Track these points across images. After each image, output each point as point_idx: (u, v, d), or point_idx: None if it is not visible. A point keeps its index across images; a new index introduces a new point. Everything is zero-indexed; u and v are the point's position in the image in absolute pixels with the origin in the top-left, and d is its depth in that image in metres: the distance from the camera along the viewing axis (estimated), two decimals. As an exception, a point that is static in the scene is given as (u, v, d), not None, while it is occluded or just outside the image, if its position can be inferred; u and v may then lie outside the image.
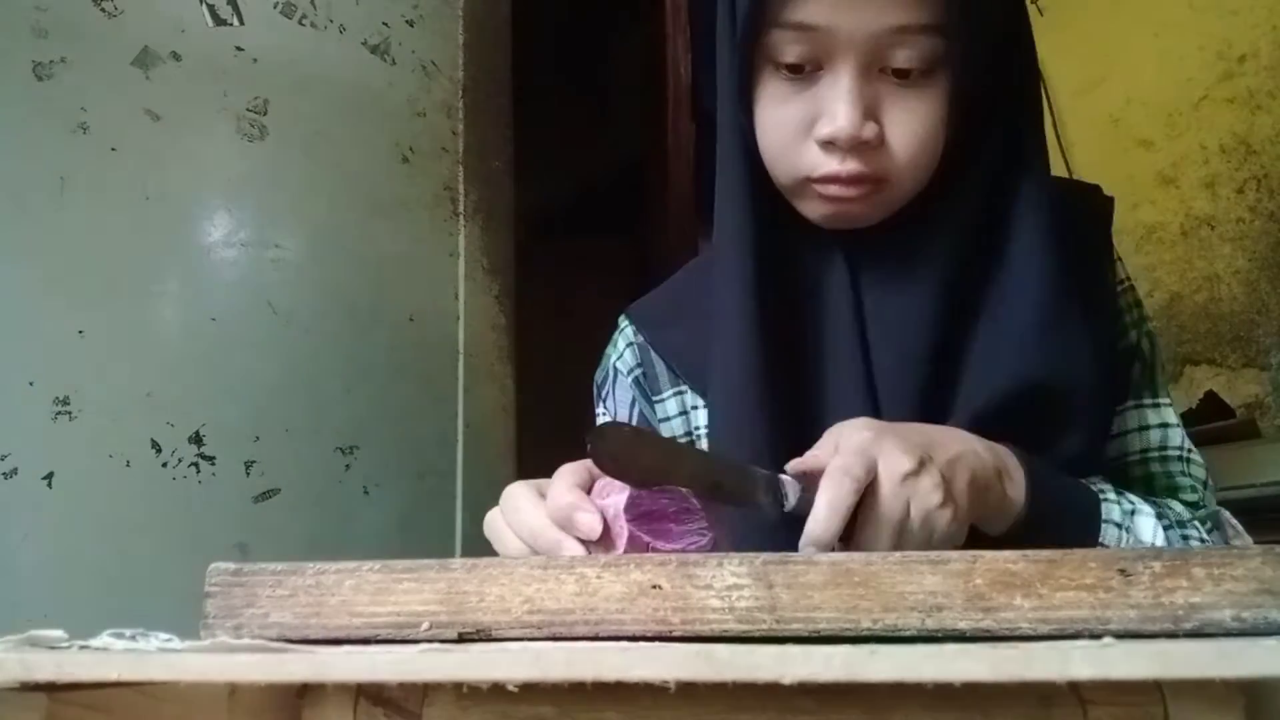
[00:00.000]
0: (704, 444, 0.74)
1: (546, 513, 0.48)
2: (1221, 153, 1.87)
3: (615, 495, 0.47)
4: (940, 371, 0.65)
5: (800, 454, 0.55)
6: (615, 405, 0.79)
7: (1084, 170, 1.95)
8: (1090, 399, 0.64)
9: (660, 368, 0.78)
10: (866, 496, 0.50)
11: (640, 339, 0.79)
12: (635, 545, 0.46)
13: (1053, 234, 0.64)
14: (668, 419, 0.77)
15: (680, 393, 0.77)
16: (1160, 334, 1.86)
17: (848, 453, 0.51)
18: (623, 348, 0.80)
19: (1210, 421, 1.67)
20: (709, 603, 0.33)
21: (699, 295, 0.73)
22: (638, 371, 0.78)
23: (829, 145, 0.61)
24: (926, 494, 0.50)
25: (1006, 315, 0.64)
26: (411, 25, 1.36)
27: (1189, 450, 0.70)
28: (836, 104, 0.60)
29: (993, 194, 0.66)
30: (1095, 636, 0.31)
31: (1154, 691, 0.31)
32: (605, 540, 0.46)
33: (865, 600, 0.33)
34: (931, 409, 0.64)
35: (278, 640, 0.34)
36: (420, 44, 1.37)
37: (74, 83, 1.08)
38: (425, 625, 0.34)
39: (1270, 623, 0.32)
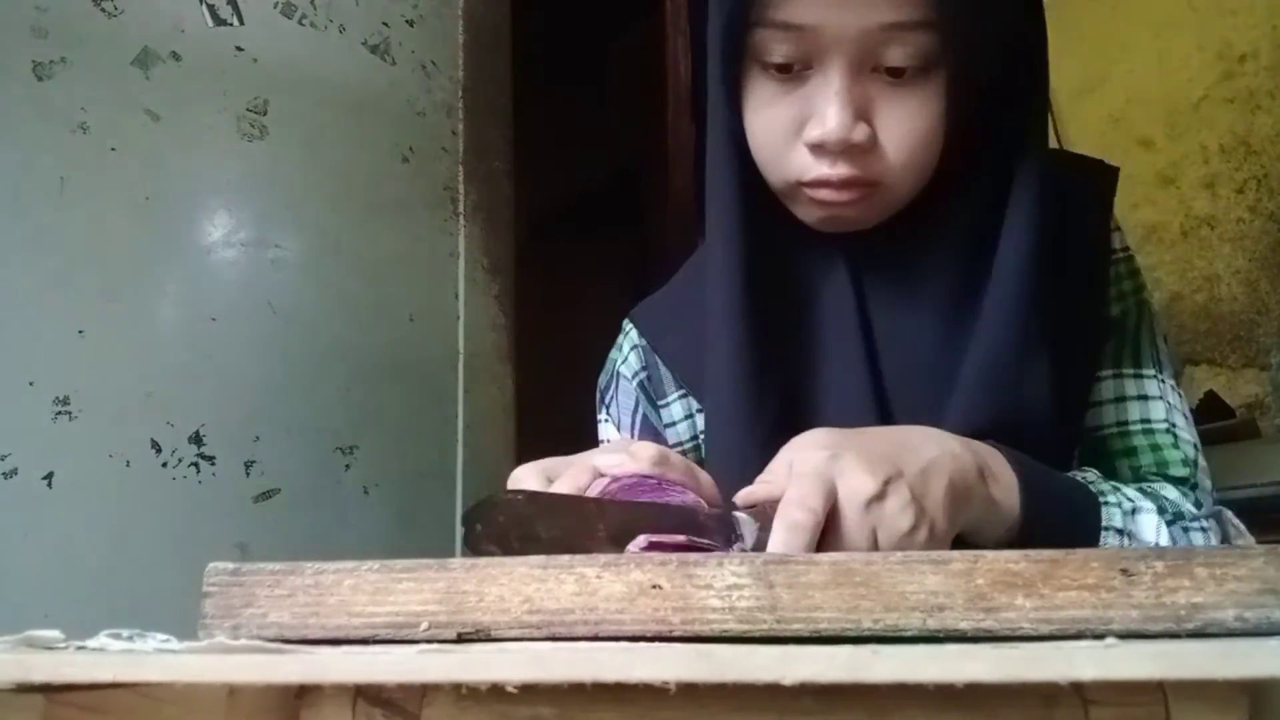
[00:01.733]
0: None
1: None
2: (1221, 153, 1.87)
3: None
4: (946, 374, 0.63)
5: None
6: (618, 411, 0.78)
7: (1084, 170, 1.94)
8: (1050, 422, 0.62)
9: (665, 370, 0.76)
10: (828, 528, 0.45)
11: (644, 341, 0.77)
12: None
13: (1044, 225, 0.62)
14: (673, 423, 0.76)
15: (685, 396, 0.75)
16: (1161, 333, 1.86)
17: (802, 479, 0.45)
18: (627, 351, 0.78)
19: (1210, 421, 1.67)
20: (709, 603, 0.33)
21: (697, 296, 0.71)
22: (642, 375, 0.77)
23: (818, 149, 0.59)
24: (894, 518, 0.46)
25: (987, 334, 0.62)
26: (411, 25, 1.36)
27: (1174, 425, 0.67)
28: (826, 105, 0.57)
29: (997, 187, 0.63)
30: (1097, 636, 0.31)
31: (1156, 692, 0.30)
32: None
33: (866, 600, 0.33)
34: (942, 412, 0.62)
35: (276, 640, 0.34)
36: (420, 44, 1.37)
37: (74, 83, 1.08)
38: (424, 625, 0.34)
39: (1273, 623, 0.32)
